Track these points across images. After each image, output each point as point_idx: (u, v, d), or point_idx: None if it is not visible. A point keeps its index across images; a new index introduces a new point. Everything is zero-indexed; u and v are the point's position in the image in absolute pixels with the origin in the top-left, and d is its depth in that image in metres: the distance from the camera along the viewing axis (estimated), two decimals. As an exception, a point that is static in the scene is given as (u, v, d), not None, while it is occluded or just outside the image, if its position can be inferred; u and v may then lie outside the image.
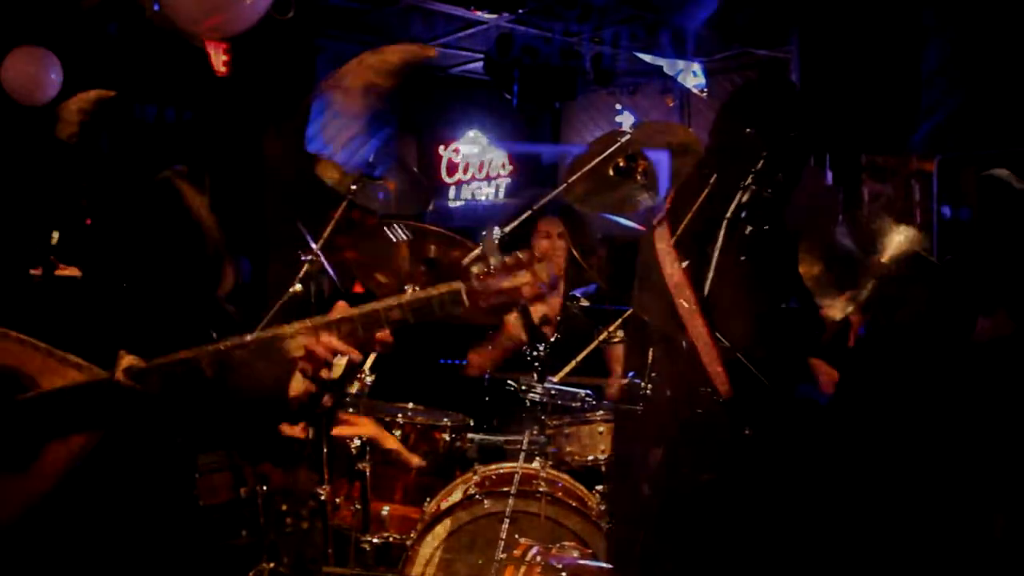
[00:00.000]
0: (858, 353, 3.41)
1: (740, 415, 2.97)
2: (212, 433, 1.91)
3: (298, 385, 1.69)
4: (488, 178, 9.30)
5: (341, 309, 1.60)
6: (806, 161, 4.46)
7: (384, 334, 1.60)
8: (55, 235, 1.72)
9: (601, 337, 3.39)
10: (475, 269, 1.62)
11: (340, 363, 1.67)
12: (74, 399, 1.55)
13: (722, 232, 2.78)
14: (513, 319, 3.57)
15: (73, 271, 1.70)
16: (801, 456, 3.02)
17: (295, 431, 1.94)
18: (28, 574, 1.61)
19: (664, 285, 2.87)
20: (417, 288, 2.98)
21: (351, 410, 3.09)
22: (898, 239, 3.09)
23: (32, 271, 1.67)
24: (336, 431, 2.97)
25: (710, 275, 2.88)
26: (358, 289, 3.60)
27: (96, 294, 1.69)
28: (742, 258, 3.01)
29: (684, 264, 2.82)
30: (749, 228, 3.02)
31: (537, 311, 3.80)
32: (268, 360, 1.57)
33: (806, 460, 3.02)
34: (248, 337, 1.57)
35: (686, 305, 2.85)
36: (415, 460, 3.51)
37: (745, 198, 2.89)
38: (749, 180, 2.88)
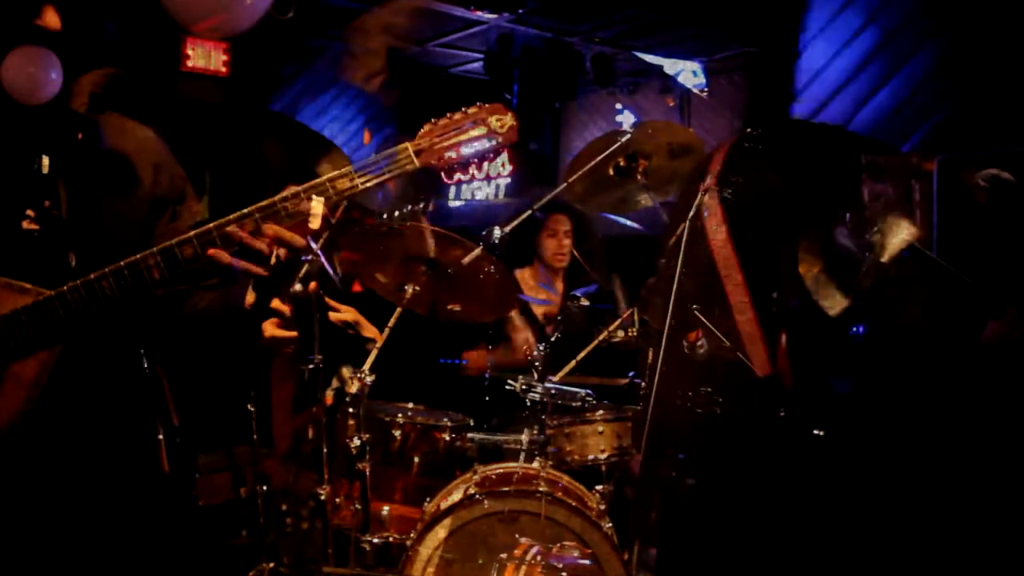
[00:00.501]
0: (866, 354, 3.40)
1: (776, 397, 2.98)
2: (179, 340, 1.90)
3: (250, 296, 1.69)
4: (488, 178, 9.28)
5: (290, 191, 1.58)
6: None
7: (325, 211, 1.57)
8: (45, 161, 1.70)
9: (601, 337, 3.39)
10: (424, 128, 1.60)
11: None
12: (25, 320, 1.56)
13: (685, 232, 2.80)
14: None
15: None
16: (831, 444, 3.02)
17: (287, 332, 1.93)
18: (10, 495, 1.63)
19: (708, 260, 2.89)
20: (417, 288, 3.00)
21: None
22: (899, 239, 3.09)
23: (27, 212, 1.66)
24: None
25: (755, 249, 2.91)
26: (357, 288, 3.59)
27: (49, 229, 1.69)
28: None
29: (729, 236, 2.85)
30: (713, 226, 3.04)
31: (539, 309, 3.81)
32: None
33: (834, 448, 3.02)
34: (191, 232, 1.57)
35: (731, 279, 2.86)
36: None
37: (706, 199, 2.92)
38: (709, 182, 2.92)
